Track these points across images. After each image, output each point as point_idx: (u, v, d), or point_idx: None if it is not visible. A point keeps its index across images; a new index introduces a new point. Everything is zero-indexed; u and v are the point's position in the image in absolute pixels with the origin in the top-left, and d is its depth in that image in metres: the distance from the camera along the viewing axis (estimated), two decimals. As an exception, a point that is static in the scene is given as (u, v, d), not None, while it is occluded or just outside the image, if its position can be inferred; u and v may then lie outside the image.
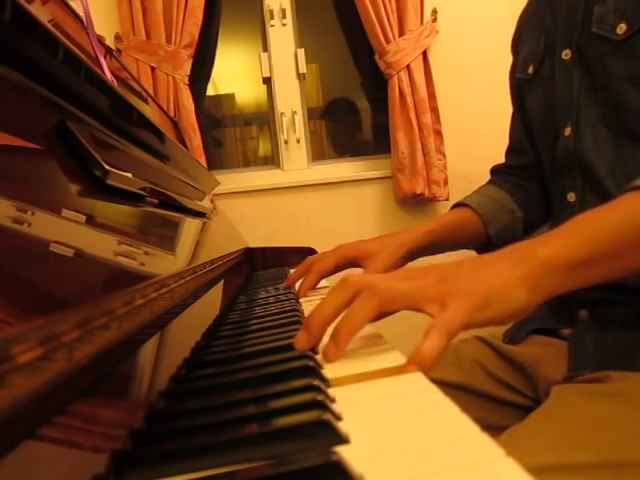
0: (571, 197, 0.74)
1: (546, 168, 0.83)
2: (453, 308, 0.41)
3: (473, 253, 0.93)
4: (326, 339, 0.44)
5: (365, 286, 0.43)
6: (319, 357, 0.42)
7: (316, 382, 0.34)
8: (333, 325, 0.43)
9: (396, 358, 0.41)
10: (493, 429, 0.49)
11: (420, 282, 0.44)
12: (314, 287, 0.80)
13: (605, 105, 0.69)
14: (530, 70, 0.82)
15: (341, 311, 0.44)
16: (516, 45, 0.91)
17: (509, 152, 0.96)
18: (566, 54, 0.73)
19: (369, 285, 0.43)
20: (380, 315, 0.44)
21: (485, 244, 0.89)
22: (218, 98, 2.43)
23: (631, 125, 0.66)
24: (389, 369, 0.38)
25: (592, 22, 0.69)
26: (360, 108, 2.36)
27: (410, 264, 0.81)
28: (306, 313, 0.65)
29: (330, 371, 0.39)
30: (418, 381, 0.35)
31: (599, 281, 0.49)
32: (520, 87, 0.87)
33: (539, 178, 0.88)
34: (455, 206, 0.91)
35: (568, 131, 0.73)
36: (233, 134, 2.42)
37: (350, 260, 0.81)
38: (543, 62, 0.79)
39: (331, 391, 0.34)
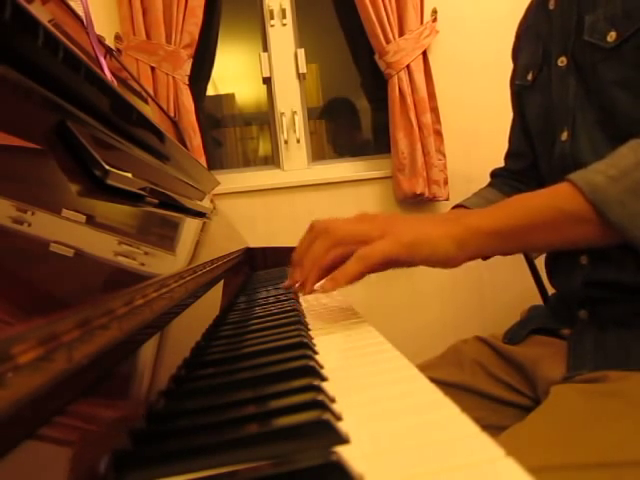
0: None
1: (544, 173, 0.83)
2: (382, 241, 0.53)
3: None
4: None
5: (322, 230, 0.58)
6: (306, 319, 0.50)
7: (316, 382, 0.34)
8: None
9: (365, 326, 0.53)
10: (493, 429, 0.50)
11: (367, 224, 0.57)
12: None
13: (599, 110, 0.70)
14: (529, 77, 0.83)
15: (308, 248, 0.59)
16: (516, 53, 0.92)
17: (508, 156, 0.97)
18: (562, 61, 0.74)
19: (325, 229, 0.58)
20: (341, 256, 0.56)
21: None
22: (218, 98, 2.43)
23: (624, 130, 0.67)
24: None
25: (584, 30, 0.70)
26: (360, 108, 2.36)
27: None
28: (306, 313, 0.65)
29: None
30: (418, 381, 0.35)
31: (516, 251, 0.62)
32: (520, 93, 0.88)
33: (537, 182, 0.89)
34: (454, 208, 0.92)
35: (565, 136, 0.73)
36: (233, 134, 2.42)
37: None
38: (541, 69, 0.80)
39: (331, 390, 0.34)
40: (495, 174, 0.98)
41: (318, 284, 0.59)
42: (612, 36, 0.66)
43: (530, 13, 0.87)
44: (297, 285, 0.61)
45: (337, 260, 0.58)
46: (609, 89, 0.68)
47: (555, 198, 0.58)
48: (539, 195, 0.59)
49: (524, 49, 0.87)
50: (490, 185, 0.97)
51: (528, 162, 0.90)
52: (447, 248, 0.55)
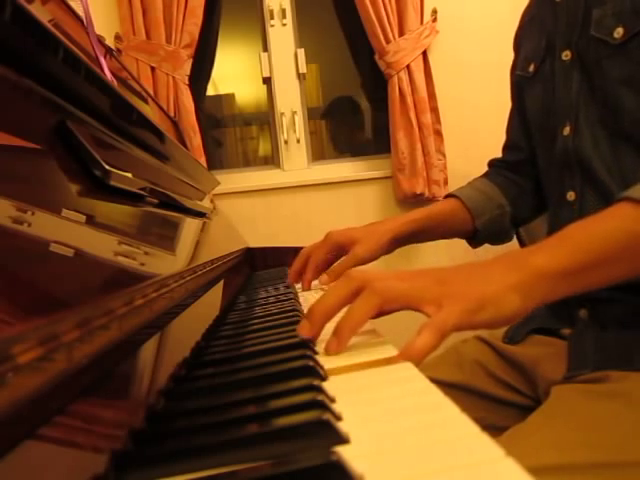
0: (570, 196, 0.74)
1: (542, 166, 0.83)
2: (448, 309, 0.43)
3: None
4: (325, 332, 0.46)
5: (367, 284, 0.45)
6: (319, 355, 0.44)
7: (316, 382, 0.34)
8: (334, 320, 0.46)
9: (389, 350, 0.43)
10: (493, 429, 0.49)
11: (419, 283, 0.46)
12: (312, 280, 0.84)
13: (602, 107, 0.69)
14: (531, 69, 0.82)
15: (343, 305, 0.46)
16: (518, 42, 0.91)
17: (505, 148, 0.97)
18: (566, 55, 0.74)
19: (371, 283, 0.45)
20: (380, 313, 0.45)
21: (472, 235, 0.91)
22: (218, 98, 2.43)
23: (626, 128, 0.67)
24: (381, 360, 0.40)
25: (591, 25, 0.70)
26: (360, 108, 2.36)
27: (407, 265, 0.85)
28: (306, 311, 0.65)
29: (328, 362, 0.41)
30: (418, 381, 0.35)
31: (589, 289, 0.51)
32: (520, 85, 0.87)
33: (533, 175, 0.90)
34: (445, 197, 0.94)
35: (567, 131, 0.73)
36: (233, 134, 2.42)
37: (338, 247, 0.83)
38: (544, 62, 0.79)
39: (331, 390, 0.34)
40: (492, 164, 0.99)
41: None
42: (619, 32, 0.66)
43: (535, 3, 0.87)
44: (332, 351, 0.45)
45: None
46: (613, 86, 0.67)
47: (620, 220, 0.51)
48: (601, 221, 0.51)
49: (527, 39, 0.87)
50: (485, 175, 0.98)
51: (524, 155, 0.91)
52: (512, 303, 0.46)
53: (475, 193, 0.91)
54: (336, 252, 0.84)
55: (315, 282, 0.84)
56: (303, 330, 0.46)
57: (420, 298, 0.45)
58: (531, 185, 0.91)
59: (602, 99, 0.69)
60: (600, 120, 0.70)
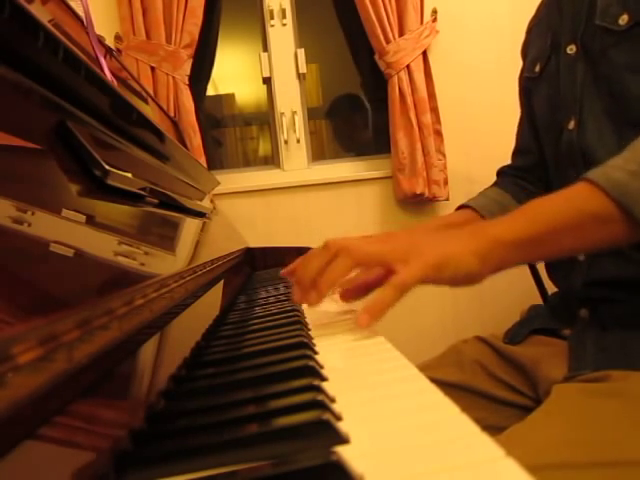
0: None
1: (550, 165, 0.83)
2: (412, 265, 0.50)
3: None
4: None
5: (342, 248, 0.53)
6: (307, 318, 0.49)
7: (316, 382, 0.34)
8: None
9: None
10: (493, 429, 0.49)
11: (389, 245, 0.54)
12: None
13: (608, 97, 0.70)
14: (537, 69, 0.83)
15: (324, 269, 0.54)
16: (526, 48, 0.92)
17: (515, 153, 0.97)
18: (571, 49, 0.74)
19: (345, 247, 0.53)
20: (359, 285, 0.56)
21: None
22: (218, 98, 2.43)
23: (633, 115, 0.67)
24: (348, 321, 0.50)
25: (596, 15, 0.70)
26: (360, 107, 2.36)
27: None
28: (306, 314, 0.65)
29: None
30: (418, 381, 0.35)
31: (541, 259, 0.59)
32: (528, 87, 0.88)
33: (544, 179, 0.89)
34: (459, 208, 0.92)
35: (572, 124, 0.73)
36: (233, 134, 2.42)
37: None
38: (549, 60, 0.80)
39: (331, 390, 0.34)
40: (501, 172, 0.98)
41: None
42: (624, 19, 0.66)
43: (542, 8, 0.88)
44: (313, 301, 0.55)
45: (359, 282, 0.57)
46: (619, 74, 0.68)
47: (575, 199, 0.55)
48: (558, 198, 0.56)
49: (533, 44, 0.87)
50: (495, 184, 0.97)
51: (534, 159, 0.90)
52: (470, 264, 0.52)
53: (488, 202, 0.90)
54: None
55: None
56: (296, 296, 0.55)
57: (389, 257, 0.52)
58: (541, 189, 0.90)
59: (607, 89, 0.70)
60: (605, 111, 0.70)
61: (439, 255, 0.51)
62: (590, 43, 0.72)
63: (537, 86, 0.84)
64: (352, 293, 0.62)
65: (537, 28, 0.87)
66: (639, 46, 0.66)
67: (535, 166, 0.90)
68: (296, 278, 0.56)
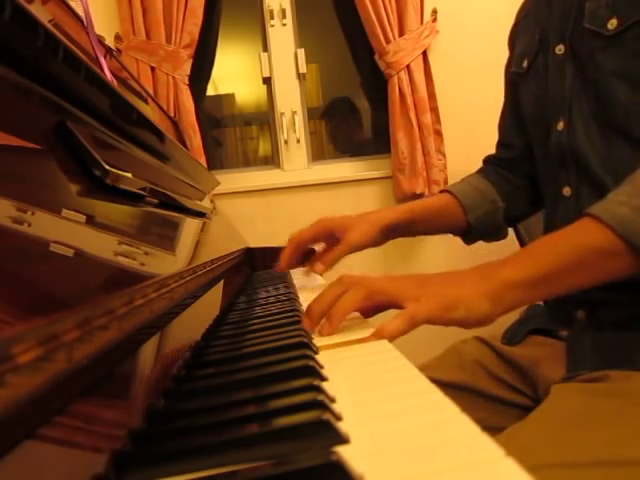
0: (566, 191, 0.74)
1: (538, 162, 0.83)
2: (422, 303, 0.52)
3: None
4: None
5: (355, 282, 0.54)
6: (316, 344, 0.47)
7: (316, 382, 0.34)
8: None
9: (367, 332, 0.51)
10: (494, 430, 0.49)
11: (402, 283, 0.55)
12: (293, 257, 0.84)
13: (595, 101, 0.69)
14: (524, 64, 0.82)
15: (336, 302, 0.54)
16: (513, 40, 0.92)
17: (499, 145, 0.98)
18: (559, 49, 0.74)
19: (359, 281, 0.54)
20: (367, 307, 0.56)
21: (466, 231, 0.92)
22: (218, 98, 2.43)
23: (619, 121, 0.67)
24: (356, 340, 0.49)
25: (584, 17, 0.70)
26: (360, 108, 2.36)
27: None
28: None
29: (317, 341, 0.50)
30: (418, 381, 0.35)
31: (552, 296, 0.60)
32: (514, 81, 0.88)
33: (527, 172, 0.90)
34: (440, 192, 0.96)
35: (561, 125, 0.73)
36: (233, 134, 2.42)
37: (328, 232, 0.83)
38: (537, 57, 0.79)
39: (331, 389, 0.34)
40: (487, 161, 1.00)
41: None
42: (613, 23, 0.66)
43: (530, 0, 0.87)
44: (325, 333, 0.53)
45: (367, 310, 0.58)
46: (607, 79, 0.67)
47: (582, 236, 0.56)
48: (564, 236, 0.58)
49: (521, 36, 0.87)
50: (480, 171, 0.99)
51: (517, 153, 0.91)
52: (482, 307, 0.53)
53: (468, 188, 0.92)
54: (325, 238, 0.84)
55: (303, 270, 0.84)
56: (305, 326, 0.54)
57: (401, 295, 0.53)
58: (525, 182, 0.92)
59: (595, 92, 0.69)
60: (593, 114, 0.70)
61: (450, 297, 0.52)
62: (578, 45, 0.71)
63: (524, 82, 0.83)
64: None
65: (525, 21, 0.87)
66: (627, 51, 0.65)
67: (518, 160, 0.91)
68: (307, 310, 0.55)
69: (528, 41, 0.82)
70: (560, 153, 0.74)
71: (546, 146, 0.77)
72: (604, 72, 0.67)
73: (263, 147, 2.36)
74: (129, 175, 0.47)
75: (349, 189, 2.09)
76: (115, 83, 0.72)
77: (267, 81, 2.13)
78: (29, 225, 0.28)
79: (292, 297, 0.72)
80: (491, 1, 2.09)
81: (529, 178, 0.90)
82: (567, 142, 0.72)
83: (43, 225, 0.30)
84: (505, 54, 0.95)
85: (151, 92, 1.73)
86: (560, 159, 0.74)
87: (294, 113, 2.09)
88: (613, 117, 0.67)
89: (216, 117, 2.39)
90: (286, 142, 2.11)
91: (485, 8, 2.10)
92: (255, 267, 1.31)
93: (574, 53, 0.72)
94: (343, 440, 0.27)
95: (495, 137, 0.99)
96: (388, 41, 1.95)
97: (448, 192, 0.93)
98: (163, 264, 0.47)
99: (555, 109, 0.74)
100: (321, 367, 0.40)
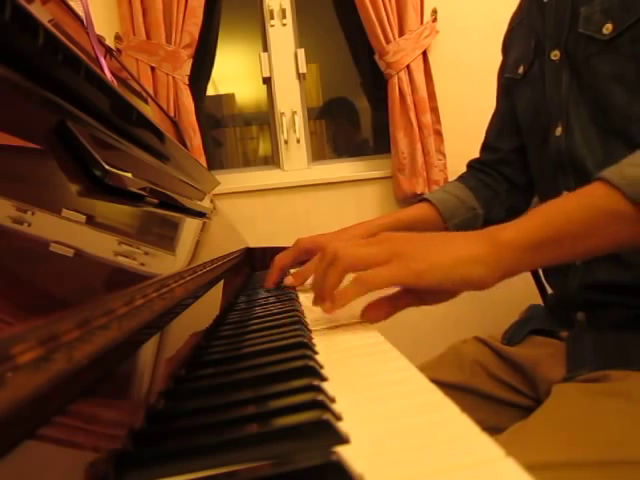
0: None
1: (535, 167, 0.83)
2: (386, 267, 0.49)
3: None
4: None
5: (333, 257, 0.53)
6: (316, 342, 0.46)
7: (316, 382, 0.34)
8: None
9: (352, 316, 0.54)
10: (494, 431, 0.49)
11: (377, 248, 0.52)
12: (278, 281, 0.84)
13: (592, 105, 0.69)
14: (520, 71, 0.83)
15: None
16: (507, 45, 0.92)
17: (483, 148, 0.99)
18: (555, 55, 0.74)
19: (335, 255, 0.53)
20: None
21: None
22: (218, 98, 2.43)
23: (617, 125, 0.67)
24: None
25: (579, 22, 0.70)
26: (360, 108, 2.36)
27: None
28: (306, 314, 0.65)
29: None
30: (418, 381, 0.35)
31: (553, 263, 0.53)
32: (509, 87, 0.88)
33: (507, 176, 0.92)
34: (420, 202, 0.95)
35: (559, 131, 0.73)
36: (233, 134, 2.42)
37: (308, 252, 0.83)
38: (533, 63, 0.79)
39: (331, 389, 0.34)
40: (469, 165, 1.00)
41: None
42: (608, 28, 0.66)
43: (524, 6, 0.87)
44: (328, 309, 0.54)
45: None
46: (603, 83, 0.67)
47: (591, 198, 0.52)
48: (573, 198, 0.54)
49: (516, 43, 0.87)
50: (459, 178, 0.99)
51: (500, 156, 0.92)
52: (473, 270, 0.49)
53: (447, 196, 0.92)
54: (304, 258, 0.84)
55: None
56: (288, 281, 0.61)
57: (374, 260, 0.50)
58: (504, 187, 0.92)
59: (592, 97, 0.69)
60: (591, 118, 0.70)
61: (429, 261, 0.49)
62: (574, 50, 0.71)
63: (520, 88, 0.84)
64: (375, 312, 0.55)
65: (519, 27, 0.87)
66: (623, 56, 0.65)
67: (499, 162, 0.92)
68: (294, 273, 0.61)
69: (523, 48, 0.82)
70: (558, 158, 0.74)
71: (543, 151, 0.77)
72: (600, 77, 0.67)
73: (263, 147, 2.36)
74: (129, 175, 0.47)
75: (349, 189, 2.09)
76: (115, 83, 0.72)
77: (267, 81, 2.13)
78: (29, 225, 0.28)
79: (292, 297, 0.72)
80: (491, 1, 2.09)
81: (509, 183, 0.91)
82: (565, 147, 0.72)
83: (43, 225, 0.30)
84: (506, 54, 0.95)
85: (151, 92, 1.73)
86: (558, 164, 0.74)
87: (294, 113, 2.09)
88: (611, 121, 0.67)
89: (216, 117, 2.39)
90: (286, 142, 2.11)
91: (485, 8, 2.10)
92: (255, 267, 1.31)
93: (570, 58, 0.72)
94: (343, 440, 0.27)
95: (494, 137, 1.00)
96: (388, 41, 1.95)
97: (427, 201, 0.92)
98: (163, 264, 0.47)
99: (552, 114, 0.74)
100: (321, 367, 0.40)
